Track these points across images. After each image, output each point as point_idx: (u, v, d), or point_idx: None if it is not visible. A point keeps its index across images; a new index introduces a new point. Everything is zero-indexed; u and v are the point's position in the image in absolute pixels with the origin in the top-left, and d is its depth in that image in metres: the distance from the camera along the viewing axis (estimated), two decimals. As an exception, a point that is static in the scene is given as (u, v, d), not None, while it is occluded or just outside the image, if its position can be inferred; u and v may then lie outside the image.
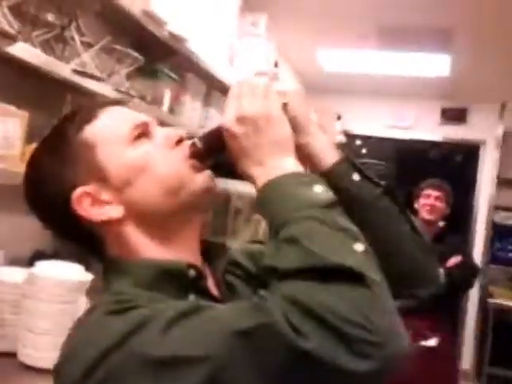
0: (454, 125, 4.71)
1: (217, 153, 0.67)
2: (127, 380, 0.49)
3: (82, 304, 1.29)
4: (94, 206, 0.63)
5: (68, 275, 1.30)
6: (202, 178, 0.65)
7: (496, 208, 4.64)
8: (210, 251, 0.71)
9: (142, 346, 0.50)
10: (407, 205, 2.91)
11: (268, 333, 0.47)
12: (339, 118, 4.49)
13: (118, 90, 1.69)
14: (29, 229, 1.75)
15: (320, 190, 0.58)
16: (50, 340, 1.23)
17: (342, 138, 4.47)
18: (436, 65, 3.76)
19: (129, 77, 1.78)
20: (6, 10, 1.24)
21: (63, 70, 1.47)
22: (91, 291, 1.35)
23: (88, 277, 1.33)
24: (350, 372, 0.45)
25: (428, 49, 3.51)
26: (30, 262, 1.60)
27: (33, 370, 1.21)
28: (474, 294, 4.51)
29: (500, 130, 4.47)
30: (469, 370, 4.52)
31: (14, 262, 1.54)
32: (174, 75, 2.03)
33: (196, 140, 0.67)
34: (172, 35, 1.92)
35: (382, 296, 0.49)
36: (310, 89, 4.71)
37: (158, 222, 0.64)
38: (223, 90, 2.50)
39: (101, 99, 1.66)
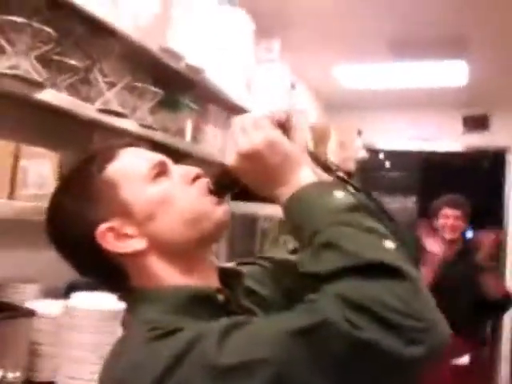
0: (477, 133, 4.67)
1: (231, 189, 0.72)
2: None
3: (119, 333, 1.35)
4: (118, 239, 0.68)
5: (103, 305, 1.35)
6: (221, 211, 0.70)
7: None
8: (227, 277, 0.75)
9: (202, 359, 0.53)
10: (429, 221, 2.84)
11: (325, 329, 0.50)
12: (360, 133, 4.51)
13: (142, 125, 1.76)
14: (62, 261, 1.83)
15: (341, 195, 0.62)
16: (87, 369, 1.28)
17: (363, 154, 4.48)
18: (453, 73, 3.75)
19: (151, 111, 1.86)
20: (33, 60, 1.32)
21: (89, 110, 1.56)
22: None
23: (120, 306, 1.38)
24: (405, 358, 0.49)
25: (444, 57, 3.52)
26: (65, 294, 1.68)
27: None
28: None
29: (524, 135, 4.43)
30: None
31: (49, 294, 1.61)
32: (194, 106, 2.10)
33: (210, 179, 0.72)
34: (190, 67, 1.99)
35: (421, 287, 0.53)
36: (328, 106, 4.77)
37: (179, 251, 0.69)
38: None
39: (123, 139, 1.73)
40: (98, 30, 1.61)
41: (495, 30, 3.09)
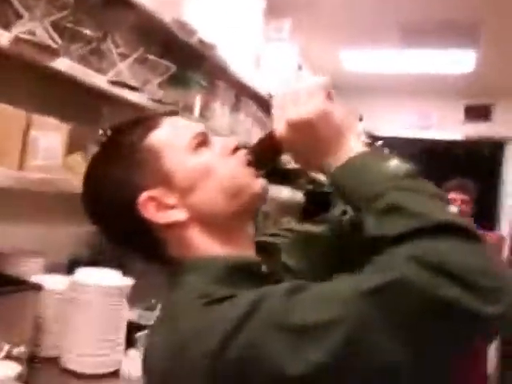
0: (478, 122, 4.66)
1: (271, 161, 0.72)
2: (269, 349, 0.51)
3: (124, 309, 1.34)
4: (159, 209, 0.66)
5: (109, 281, 1.34)
6: (260, 183, 0.70)
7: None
8: (264, 251, 0.74)
9: (271, 318, 0.52)
10: None
11: (400, 287, 0.50)
12: (361, 118, 4.48)
13: (152, 99, 1.72)
14: (66, 236, 1.81)
15: (397, 162, 0.62)
16: (92, 345, 1.27)
17: (364, 139, 4.46)
18: (460, 61, 3.72)
19: (161, 85, 1.81)
20: (48, 26, 1.28)
21: (101, 81, 1.51)
22: (132, 296, 1.39)
23: (128, 282, 1.37)
24: (483, 316, 0.49)
25: (453, 45, 3.48)
26: (68, 269, 1.66)
27: (76, 375, 1.26)
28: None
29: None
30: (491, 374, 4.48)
31: (52, 269, 1.59)
32: (204, 82, 2.06)
33: (248, 151, 0.71)
34: (202, 42, 1.94)
35: (488, 248, 0.54)
36: (333, 89, 4.73)
37: (219, 223, 0.68)
38: (251, 95, 2.53)
39: (133, 112, 1.70)
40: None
41: (507, 20, 3.05)
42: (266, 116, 2.73)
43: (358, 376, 0.50)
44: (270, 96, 2.69)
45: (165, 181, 0.67)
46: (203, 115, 2.11)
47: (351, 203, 0.66)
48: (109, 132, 0.73)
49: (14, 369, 1.04)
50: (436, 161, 5.00)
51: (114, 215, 0.69)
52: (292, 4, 2.85)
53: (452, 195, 2.71)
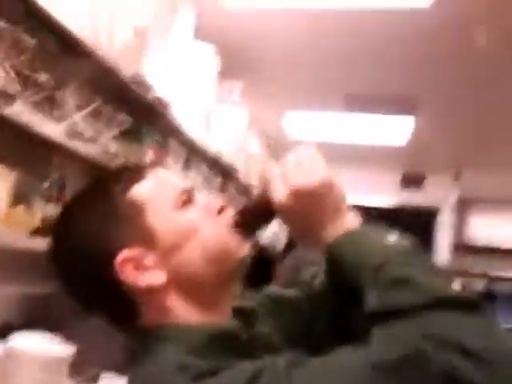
0: (412, 191, 4.90)
1: (261, 225, 0.69)
2: None
3: (65, 381, 1.21)
4: (137, 270, 0.60)
5: (52, 349, 1.21)
6: (244, 247, 0.66)
7: (451, 273, 4.78)
8: (241, 316, 0.69)
9: None
10: None
11: (416, 362, 0.47)
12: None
13: (105, 152, 1.66)
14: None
15: (398, 236, 0.61)
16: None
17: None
18: (398, 130, 3.93)
19: (115, 139, 1.76)
20: (10, 70, 1.21)
21: (54, 131, 1.44)
22: (73, 367, 1.26)
23: (69, 350, 1.24)
24: None
25: (392, 114, 3.70)
26: (-1, 335, 1.49)
27: None
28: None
29: (454, 197, 4.69)
30: None
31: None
32: (157, 138, 2.02)
33: (237, 213, 0.67)
34: (157, 99, 1.92)
35: (495, 323, 0.53)
36: (276, 153, 4.82)
37: (200, 288, 0.63)
38: (202, 154, 2.52)
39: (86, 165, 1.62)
40: (71, 48, 1.51)
41: (441, 98, 3.29)
42: (214, 175, 2.72)
43: None
44: (220, 156, 2.69)
45: (146, 239, 0.61)
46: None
47: (350, 275, 0.62)
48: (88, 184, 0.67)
49: None
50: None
51: (86, 272, 0.62)
52: (244, 67, 2.93)
53: None
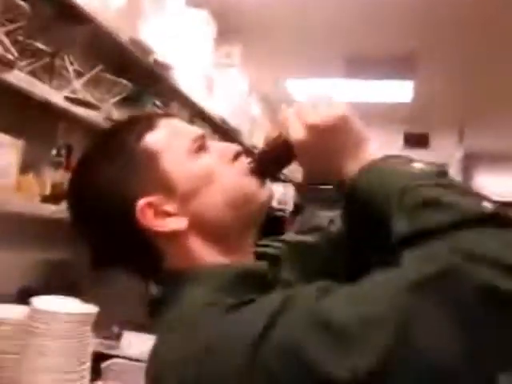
0: (416, 150, 4.88)
1: (279, 169, 0.69)
2: (306, 351, 0.45)
3: (89, 338, 1.24)
4: (157, 217, 0.61)
5: (72, 309, 1.24)
6: (266, 193, 0.66)
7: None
8: (265, 261, 0.70)
9: (307, 316, 0.47)
10: None
11: (453, 277, 0.46)
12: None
13: (108, 118, 1.66)
14: (15, 264, 1.68)
15: (423, 165, 0.60)
16: (56, 378, 1.16)
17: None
18: (399, 91, 3.90)
19: (116, 105, 1.76)
20: (3, 37, 1.20)
21: (57, 97, 1.44)
22: (97, 325, 1.29)
23: (92, 309, 1.27)
24: None
25: (393, 75, 3.66)
26: (18, 299, 1.53)
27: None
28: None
29: (460, 154, 4.68)
30: None
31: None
32: (158, 103, 2.02)
33: (253, 158, 0.67)
34: (158, 63, 1.91)
35: None
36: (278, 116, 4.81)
37: (222, 232, 0.64)
38: (204, 118, 2.51)
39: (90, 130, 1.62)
40: (66, 13, 1.50)
41: (442, 52, 3.25)
42: (218, 139, 2.72)
43: (406, 378, 0.45)
44: (222, 120, 2.69)
45: (164, 186, 0.62)
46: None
47: (375, 208, 0.61)
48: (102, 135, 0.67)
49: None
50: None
51: (107, 223, 0.63)
52: (241, 32, 2.89)
53: None
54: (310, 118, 0.62)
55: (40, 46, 1.44)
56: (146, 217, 0.60)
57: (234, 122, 2.81)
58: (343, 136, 0.63)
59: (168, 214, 0.61)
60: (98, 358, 1.28)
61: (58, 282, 1.67)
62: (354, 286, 0.50)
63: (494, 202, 0.54)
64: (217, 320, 0.52)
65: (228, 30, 2.68)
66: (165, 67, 1.95)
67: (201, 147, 0.65)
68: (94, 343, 1.30)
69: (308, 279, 0.70)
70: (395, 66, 3.54)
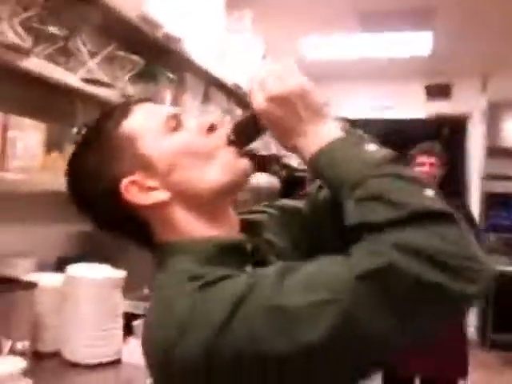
0: (439, 101, 4.81)
1: (252, 139, 0.72)
2: (264, 331, 0.53)
3: (119, 299, 1.36)
4: (141, 192, 0.67)
5: (102, 274, 1.36)
6: (243, 162, 0.70)
7: (487, 177, 4.76)
8: (248, 228, 0.75)
9: (265, 300, 0.55)
10: None
11: (390, 272, 0.53)
12: (326, 103, 4.56)
13: (123, 95, 1.74)
14: (52, 235, 1.81)
15: (375, 148, 0.64)
16: (91, 336, 1.29)
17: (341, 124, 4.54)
18: (418, 44, 3.84)
19: (131, 81, 1.83)
20: (17, 26, 1.28)
21: (72, 79, 1.52)
22: (125, 288, 1.41)
23: (121, 274, 1.39)
24: (465, 297, 0.54)
25: (410, 28, 3.59)
26: (56, 268, 1.66)
27: (78, 366, 1.28)
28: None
29: (484, 102, 4.59)
30: (473, 338, 4.64)
31: (40, 268, 1.59)
32: (172, 76, 2.08)
33: (229, 129, 0.71)
34: (167, 36, 1.96)
35: (466, 230, 0.57)
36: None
37: (202, 202, 0.69)
38: (219, 86, 2.56)
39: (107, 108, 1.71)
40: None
41: (460, 2, 3.17)
42: (234, 106, 2.77)
43: (348, 352, 0.54)
44: (238, 86, 2.73)
45: (143, 165, 0.68)
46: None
47: (329, 187, 0.67)
48: (85, 128, 0.75)
49: (18, 363, 1.05)
50: (399, 140, 5.14)
51: (98, 203, 0.70)
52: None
53: (420, 159, 2.67)
54: (269, 87, 0.66)
55: (53, 30, 1.52)
56: (131, 193, 0.67)
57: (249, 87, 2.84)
58: (301, 108, 0.66)
59: (151, 189, 0.68)
60: (130, 317, 1.39)
61: (91, 250, 1.80)
62: (308, 269, 0.57)
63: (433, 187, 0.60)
64: (189, 297, 0.58)
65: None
66: (175, 40, 2.00)
67: (176, 125, 0.70)
68: (125, 304, 1.42)
69: (295, 241, 0.79)
70: (413, 18, 3.47)
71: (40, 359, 1.26)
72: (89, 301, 1.28)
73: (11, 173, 1.31)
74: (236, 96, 2.78)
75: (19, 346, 1.09)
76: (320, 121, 0.67)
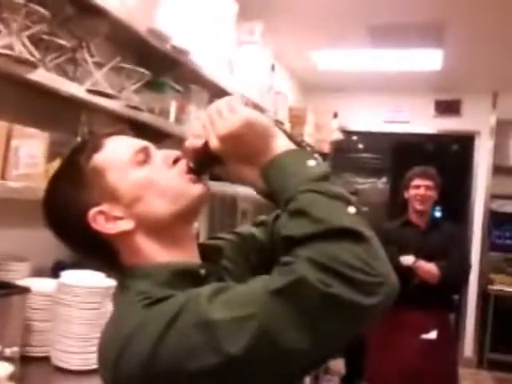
0: (449, 117, 4.81)
1: (210, 167, 0.78)
2: (193, 345, 0.59)
3: (109, 308, 1.40)
4: (108, 221, 0.73)
5: (93, 282, 1.40)
6: (196, 188, 0.76)
7: (492, 196, 4.75)
8: (208, 253, 0.82)
9: (195, 316, 0.60)
10: (403, 197, 2.88)
11: (299, 287, 0.59)
12: (336, 115, 4.59)
13: (128, 106, 1.78)
14: (49, 241, 1.85)
15: (313, 164, 0.69)
16: (80, 343, 1.33)
17: (338, 135, 4.57)
18: (428, 59, 3.85)
19: (137, 92, 1.87)
20: (26, 40, 1.33)
21: (78, 90, 1.57)
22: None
23: (112, 282, 1.43)
24: (364, 308, 0.59)
25: (421, 44, 3.60)
26: (52, 272, 1.71)
27: (66, 372, 1.31)
28: (474, 282, 4.61)
29: (493, 120, 4.58)
30: (471, 357, 4.63)
31: (37, 272, 1.64)
32: (178, 87, 2.12)
33: (188, 160, 0.76)
34: (175, 49, 2.01)
35: (376, 247, 0.63)
36: (306, 89, 4.82)
37: (163, 228, 0.75)
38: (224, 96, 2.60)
39: (112, 121, 1.75)
40: (85, 10, 1.61)
41: (470, 18, 3.18)
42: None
43: (266, 363, 0.59)
44: (244, 96, 2.76)
45: (111, 196, 0.74)
46: (179, 119, 2.17)
47: (276, 203, 0.72)
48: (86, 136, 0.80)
49: (7, 368, 1.09)
50: (408, 154, 5.15)
51: (68, 229, 0.76)
52: (263, 7, 2.93)
53: (415, 182, 2.74)
54: (218, 128, 0.71)
55: (62, 42, 1.57)
56: (98, 222, 0.73)
57: (256, 99, 2.87)
58: (249, 138, 0.71)
59: (117, 218, 0.74)
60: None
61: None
62: (237, 288, 0.63)
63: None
64: (137, 314, 0.65)
65: (249, 8, 2.73)
66: (182, 52, 2.05)
67: (143, 158, 0.76)
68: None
69: (251, 269, 0.86)
70: (422, 34, 3.48)
71: (29, 364, 1.30)
72: (80, 308, 1.32)
73: (13, 180, 1.35)
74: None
75: (8, 351, 1.13)
76: (269, 139, 0.72)
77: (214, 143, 0.71)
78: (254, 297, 0.61)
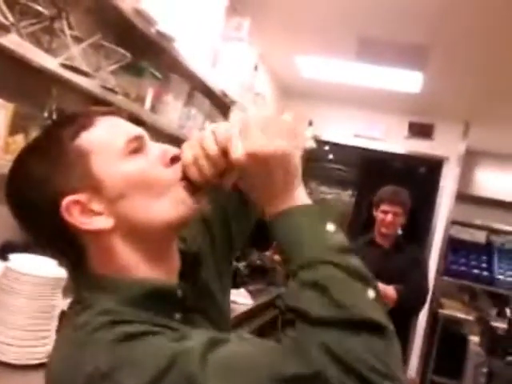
0: (421, 139, 4.86)
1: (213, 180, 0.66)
2: None
3: (58, 300, 1.30)
4: (83, 215, 0.62)
5: (44, 271, 1.29)
6: (193, 201, 0.65)
7: (453, 222, 4.84)
8: (187, 263, 0.72)
9: (188, 378, 0.51)
10: (368, 213, 2.83)
11: (316, 382, 0.51)
12: (311, 123, 4.56)
13: (103, 87, 1.68)
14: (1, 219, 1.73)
15: (333, 229, 0.60)
16: (20, 335, 1.23)
17: (312, 144, 4.54)
18: (409, 81, 3.87)
19: (114, 73, 1.77)
20: (0, 2, 1.22)
21: (51, 63, 1.46)
22: (68, 289, 1.35)
23: (63, 273, 1.33)
24: None
25: (403, 64, 3.62)
26: (1, 254, 1.59)
27: (6, 366, 1.21)
28: (425, 305, 4.67)
29: (462, 148, 4.66)
30: (413, 378, 4.69)
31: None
32: (158, 74, 2.03)
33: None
34: (160, 34, 1.92)
35: (394, 340, 0.55)
36: (285, 93, 4.78)
37: (146, 237, 0.64)
38: (205, 91, 2.52)
39: (82, 97, 1.65)
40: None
41: (453, 48, 3.21)
42: (218, 114, 2.73)
43: None
44: (224, 94, 2.69)
45: (92, 186, 0.62)
46: (154, 107, 2.08)
47: (280, 248, 0.63)
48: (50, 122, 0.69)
49: None
50: (376, 170, 5.19)
51: (34, 214, 0.64)
52: (252, 4, 2.86)
53: (384, 207, 2.68)
54: (252, 141, 0.60)
55: (40, 8, 1.46)
56: (72, 214, 0.61)
57: (237, 96, 2.81)
58: (277, 172, 0.61)
59: (95, 213, 0.62)
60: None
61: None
62: (233, 352, 0.54)
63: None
64: (105, 348, 0.54)
65: (238, 3, 2.66)
66: (167, 38, 1.96)
67: (136, 149, 0.64)
68: (63, 304, 1.36)
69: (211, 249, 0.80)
70: (407, 55, 3.50)
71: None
72: (24, 298, 1.22)
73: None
74: (220, 103, 2.75)
75: None
76: (292, 186, 0.63)
77: (239, 154, 0.60)
78: (257, 375, 0.52)
